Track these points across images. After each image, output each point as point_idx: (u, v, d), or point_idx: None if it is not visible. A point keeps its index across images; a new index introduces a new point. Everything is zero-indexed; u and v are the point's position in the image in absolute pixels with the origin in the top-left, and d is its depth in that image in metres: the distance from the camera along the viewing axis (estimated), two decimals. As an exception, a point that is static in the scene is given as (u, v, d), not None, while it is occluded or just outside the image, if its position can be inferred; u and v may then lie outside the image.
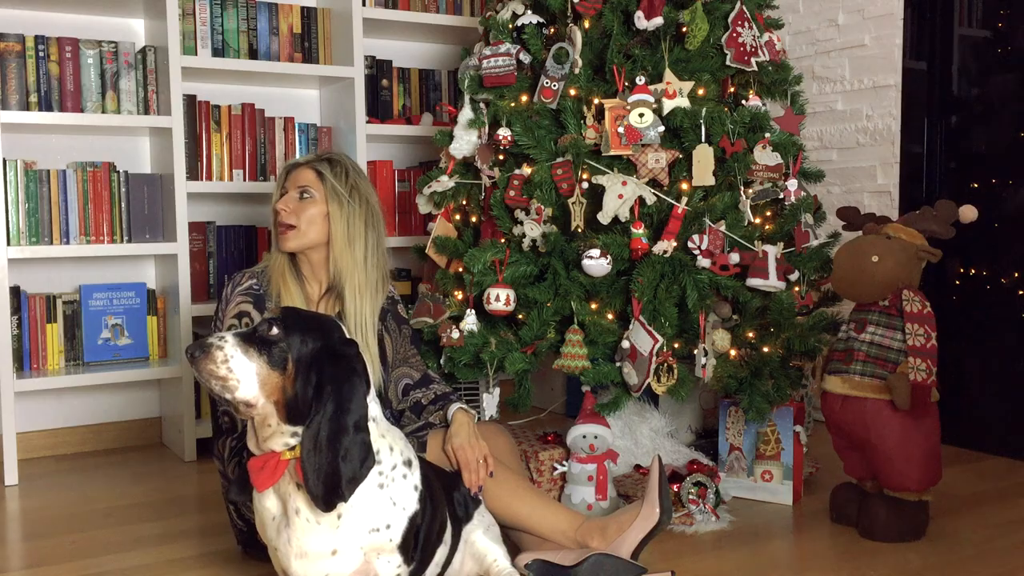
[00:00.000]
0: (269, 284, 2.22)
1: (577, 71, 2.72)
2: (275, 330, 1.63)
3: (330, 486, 1.59)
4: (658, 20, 2.67)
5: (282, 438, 1.63)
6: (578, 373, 2.55)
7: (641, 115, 2.58)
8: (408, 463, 1.74)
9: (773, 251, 2.56)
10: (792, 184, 2.69)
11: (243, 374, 1.59)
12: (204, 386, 1.61)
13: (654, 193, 2.58)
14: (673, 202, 2.57)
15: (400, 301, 2.42)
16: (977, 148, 3.30)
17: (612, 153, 2.59)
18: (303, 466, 1.60)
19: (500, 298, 2.64)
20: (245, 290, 2.19)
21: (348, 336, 1.73)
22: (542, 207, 2.63)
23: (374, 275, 2.24)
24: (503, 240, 2.76)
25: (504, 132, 2.74)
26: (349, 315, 2.19)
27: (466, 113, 2.89)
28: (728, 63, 2.74)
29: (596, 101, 2.68)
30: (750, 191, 2.65)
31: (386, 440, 1.72)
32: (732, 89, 2.82)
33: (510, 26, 2.87)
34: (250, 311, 2.15)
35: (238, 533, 2.24)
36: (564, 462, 2.58)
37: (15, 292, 3.09)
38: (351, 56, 3.43)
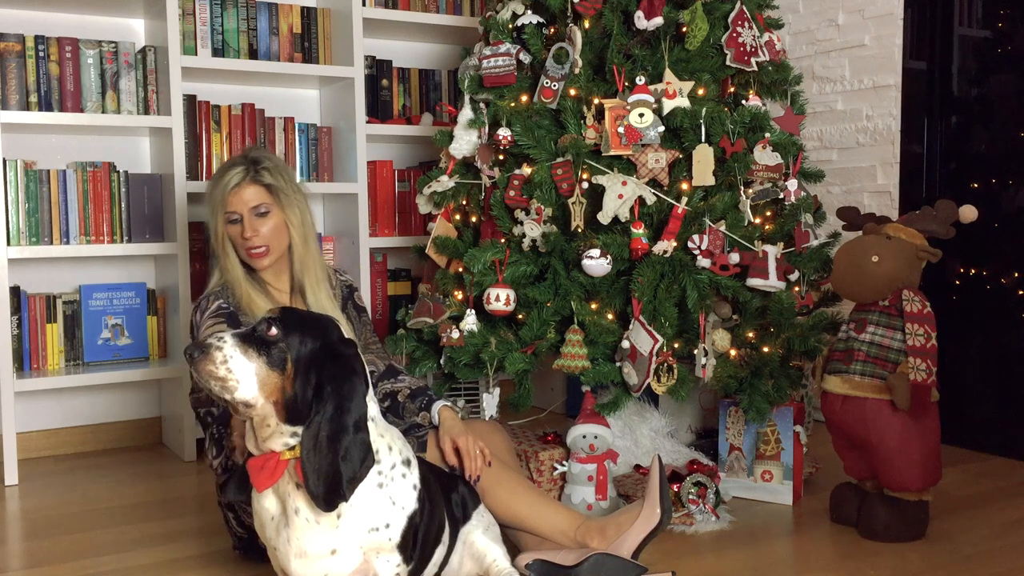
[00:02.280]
0: (236, 298, 2.20)
1: (577, 71, 2.72)
2: (274, 330, 1.63)
3: (331, 486, 1.59)
4: (658, 20, 2.67)
5: (281, 438, 1.63)
6: (578, 373, 2.55)
7: (641, 115, 2.58)
8: (407, 462, 1.74)
9: (773, 251, 2.56)
10: (792, 184, 2.69)
11: (242, 374, 1.59)
12: (203, 387, 1.60)
13: (654, 193, 2.58)
14: (673, 202, 2.57)
15: (358, 289, 2.45)
16: (977, 148, 3.29)
17: (612, 153, 2.59)
18: (303, 466, 1.60)
19: (500, 298, 2.64)
20: (214, 312, 2.16)
21: (347, 336, 1.73)
22: (542, 207, 2.63)
23: (319, 255, 2.28)
24: (503, 240, 2.76)
25: (504, 132, 2.74)
26: (311, 307, 2.20)
27: (466, 113, 2.89)
28: (728, 63, 2.74)
29: (596, 101, 2.68)
30: (750, 191, 2.65)
31: (385, 439, 1.72)
32: (732, 89, 2.82)
33: (510, 26, 2.87)
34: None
35: (237, 540, 2.23)
36: (564, 462, 2.58)
37: (15, 292, 3.09)
38: (351, 56, 3.43)
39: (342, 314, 2.32)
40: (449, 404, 2.19)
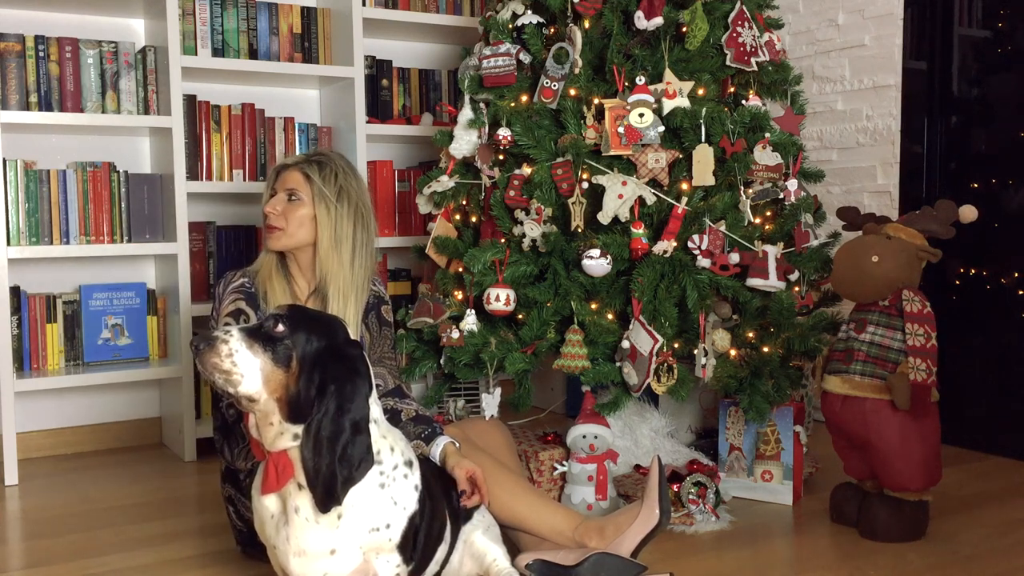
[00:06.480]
0: (258, 283, 2.23)
1: (577, 71, 2.72)
2: (280, 327, 1.63)
3: (327, 488, 1.59)
4: (658, 20, 2.67)
5: (286, 437, 1.63)
6: (578, 373, 2.55)
7: (641, 115, 2.58)
8: (409, 463, 1.74)
9: (773, 251, 2.56)
10: (792, 184, 2.69)
11: (247, 369, 1.59)
12: (206, 379, 1.60)
13: (654, 193, 2.58)
14: (673, 202, 2.57)
15: (388, 303, 2.37)
16: (977, 148, 3.29)
17: (612, 153, 2.59)
18: (304, 466, 1.60)
19: (500, 298, 2.64)
20: (237, 287, 2.20)
21: (352, 337, 1.73)
22: (542, 207, 2.63)
23: (360, 276, 2.24)
24: (503, 240, 2.76)
25: (504, 132, 2.74)
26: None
27: (466, 113, 2.89)
28: (728, 63, 2.74)
29: (596, 101, 2.67)
30: (750, 191, 2.65)
31: (387, 441, 1.72)
32: (732, 89, 2.82)
33: (510, 26, 2.87)
34: (244, 308, 2.16)
35: (237, 534, 2.23)
36: (564, 462, 2.58)
37: (15, 292, 3.09)
38: (351, 56, 3.43)
39: (362, 324, 2.27)
40: (454, 440, 2.08)
